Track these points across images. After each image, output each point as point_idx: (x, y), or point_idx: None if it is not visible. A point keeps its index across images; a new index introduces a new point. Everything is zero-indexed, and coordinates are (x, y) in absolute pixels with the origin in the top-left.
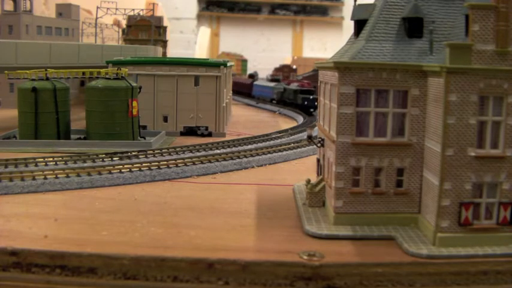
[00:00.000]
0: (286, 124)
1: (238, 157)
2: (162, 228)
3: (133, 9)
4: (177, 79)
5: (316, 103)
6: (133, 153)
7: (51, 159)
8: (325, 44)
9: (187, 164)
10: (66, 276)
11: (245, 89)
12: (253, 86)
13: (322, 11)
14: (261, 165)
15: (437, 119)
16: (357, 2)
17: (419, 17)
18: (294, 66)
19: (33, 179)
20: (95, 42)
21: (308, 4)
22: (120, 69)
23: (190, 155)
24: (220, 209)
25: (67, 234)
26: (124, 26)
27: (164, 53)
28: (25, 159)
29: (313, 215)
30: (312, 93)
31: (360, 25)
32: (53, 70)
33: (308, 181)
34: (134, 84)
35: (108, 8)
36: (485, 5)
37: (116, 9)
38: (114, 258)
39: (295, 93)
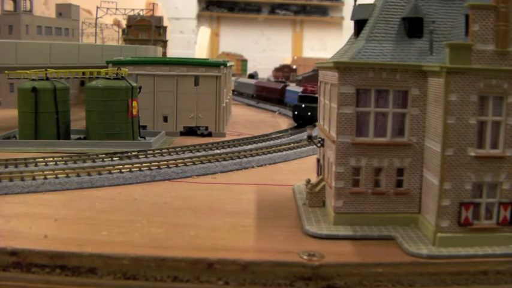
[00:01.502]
0: (286, 124)
1: (238, 157)
2: (162, 228)
3: (133, 9)
4: (177, 79)
5: (310, 113)
6: (133, 153)
7: (51, 159)
8: (325, 44)
9: (187, 164)
10: (66, 276)
11: (275, 95)
12: (286, 91)
13: (322, 11)
14: (261, 165)
15: (437, 119)
16: (357, 2)
17: (419, 17)
18: (294, 66)
19: (33, 179)
20: (95, 42)
21: (308, 4)
22: (120, 69)
23: (190, 155)
24: (220, 209)
25: (67, 234)
26: (124, 26)
27: (164, 53)
28: (25, 159)
29: (313, 215)
30: (312, 100)
31: (360, 25)
32: (53, 70)
33: (308, 181)
34: (134, 84)
35: (108, 8)
36: (485, 5)
37: (116, 9)
38: (114, 258)
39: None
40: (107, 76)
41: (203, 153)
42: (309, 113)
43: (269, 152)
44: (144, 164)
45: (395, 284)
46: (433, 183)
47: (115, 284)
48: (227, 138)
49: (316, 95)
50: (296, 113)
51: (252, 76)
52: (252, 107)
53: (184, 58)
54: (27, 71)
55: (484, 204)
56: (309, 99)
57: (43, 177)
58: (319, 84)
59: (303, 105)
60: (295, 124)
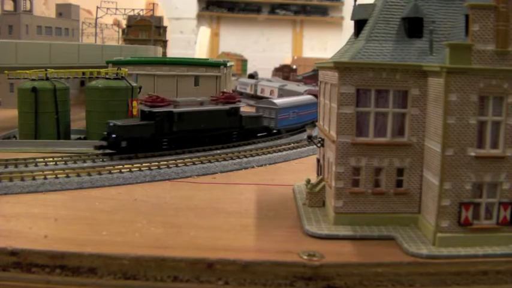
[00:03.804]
0: None
1: (238, 157)
2: (162, 228)
3: (133, 9)
4: (177, 79)
5: (115, 135)
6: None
7: (51, 159)
8: (325, 44)
9: (187, 164)
10: (66, 276)
11: None
12: None
13: (322, 11)
14: (261, 165)
15: (437, 119)
16: (357, 2)
17: (419, 17)
18: (294, 66)
19: (33, 179)
20: (95, 42)
21: (308, 4)
22: (120, 69)
23: (190, 155)
24: (220, 209)
25: (67, 234)
26: (124, 26)
27: (164, 53)
28: (25, 159)
29: (313, 215)
30: (148, 117)
31: (360, 25)
32: (53, 70)
33: (308, 181)
34: (134, 84)
35: (108, 8)
36: (485, 5)
37: (116, 9)
38: (114, 258)
39: None
40: (107, 76)
41: (203, 153)
42: (113, 135)
43: (269, 152)
44: (144, 164)
45: (395, 284)
46: (433, 183)
47: (115, 284)
48: None
49: (160, 110)
50: (105, 133)
51: (252, 76)
52: (252, 107)
53: (184, 58)
54: (27, 71)
55: (484, 204)
56: (145, 116)
57: (43, 177)
58: (319, 84)
59: (111, 124)
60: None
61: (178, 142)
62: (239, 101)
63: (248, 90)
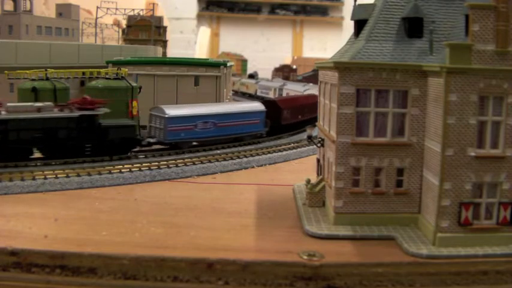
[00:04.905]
0: None
1: (238, 157)
2: (162, 228)
3: (133, 9)
4: (177, 79)
5: None
6: (133, 153)
7: None
8: (325, 44)
9: (187, 164)
10: (66, 276)
11: None
12: None
13: (322, 11)
14: (261, 165)
15: (437, 119)
16: (357, 2)
17: (419, 17)
18: (294, 66)
19: (33, 179)
20: (95, 42)
21: (308, 4)
22: (120, 69)
23: (190, 155)
24: (220, 209)
25: (67, 234)
26: (124, 26)
27: (164, 53)
28: None
29: (313, 215)
30: None
31: (360, 25)
32: (53, 70)
33: (308, 181)
34: (134, 84)
35: (108, 8)
36: (485, 5)
37: (116, 9)
38: (114, 258)
39: None
40: (107, 76)
41: (203, 153)
42: None
43: (269, 152)
44: (144, 164)
45: (395, 284)
46: (433, 183)
47: (115, 284)
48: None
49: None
50: None
51: (252, 76)
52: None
53: (184, 58)
54: (27, 71)
55: (484, 204)
56: None
57: (43, 177)
58: (319, 84)
59: None
60: None
61: (1, 154)
62: (99, 108)
63: (271, 95)
